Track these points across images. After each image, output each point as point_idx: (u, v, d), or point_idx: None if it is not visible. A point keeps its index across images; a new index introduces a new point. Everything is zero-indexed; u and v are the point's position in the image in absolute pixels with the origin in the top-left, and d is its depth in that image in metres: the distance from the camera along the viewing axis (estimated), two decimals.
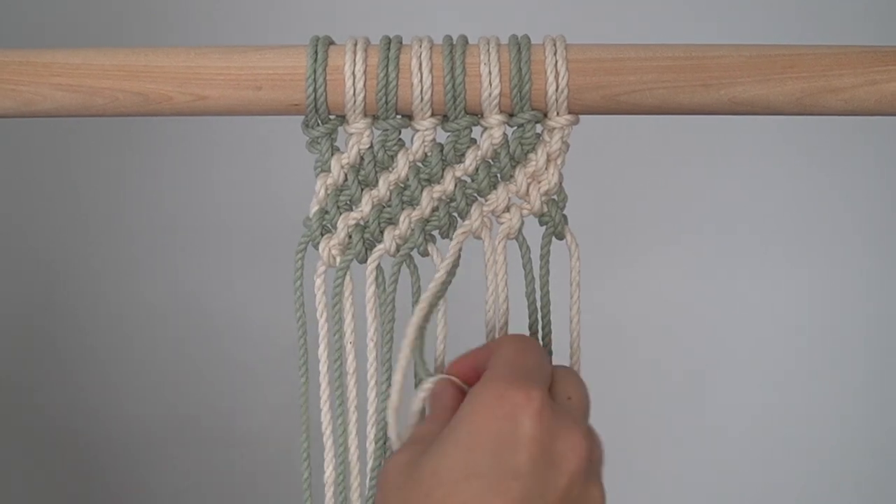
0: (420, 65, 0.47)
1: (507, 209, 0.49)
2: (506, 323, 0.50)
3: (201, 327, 1.06)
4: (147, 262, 1.04)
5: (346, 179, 0.49)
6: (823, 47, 0.47)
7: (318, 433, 0.50)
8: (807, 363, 1.09)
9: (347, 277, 0.50)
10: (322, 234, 0.49)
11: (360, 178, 0.49)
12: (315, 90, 0.47)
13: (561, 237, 0.50)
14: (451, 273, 0.49)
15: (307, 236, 0.49)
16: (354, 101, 0.47)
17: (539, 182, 0.49)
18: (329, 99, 0.48)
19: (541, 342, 0.52)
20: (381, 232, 0.49)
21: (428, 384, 0.46)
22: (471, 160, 0.49)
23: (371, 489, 0.50)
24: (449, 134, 0.49)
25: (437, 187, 0.49)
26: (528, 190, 0.49)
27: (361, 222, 0.50)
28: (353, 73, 0.47)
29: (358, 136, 0.49)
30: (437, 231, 0.50)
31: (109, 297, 1.05)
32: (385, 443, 0.50)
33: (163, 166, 1.02)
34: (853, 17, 1.00)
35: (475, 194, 0.50)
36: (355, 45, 0.48)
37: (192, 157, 1.03)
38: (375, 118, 0.48)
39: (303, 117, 0.49)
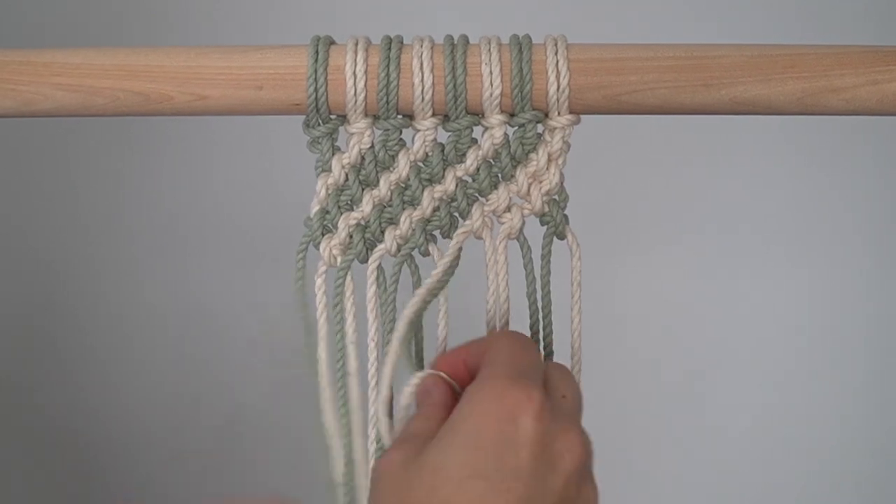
0: (421, 64, 0.47)
1: (508, 209, 0.49)
2: (506, 323, 0.50)
3: (201, 327, 1.06)
4: (147, 262, 1.04)
5: (346, 179, 0.49)
6: (825, 47, 0.47)
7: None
8: (807, 363, 1.09)
9: (348, 277, 0.50)
10: (323, 234, 0.49)
11: (360, 177, 0.49)
12: (316, 90, 0.47)
13: (562, 237, 0.50)
14: (449, 272, 0.49)
15: (308, 236, 0.49)
16: (355, 101, 0.47)
17: (540, 182, 0.49)
18: (330, 99, 0.48)
19: (542, 342, 0.52)
20: (382, 232, 0.49)
21: (416, 379, 0.46)
22: (472, 160, 0.49)
23: None
24: (450, 134, 0.49)
25: (438, 187, 0.49)
26: (529, 190, 0.49)
27: (362, 222, 0.50)
28: (354, 72, 0.47)
29: (359, 136, 0.49)
30: (438, 231, 0.50)
31: (109, 296, 1.05)
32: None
33: (163, 166, 1.02)
34: (853, 17, 1.00)
35: (476, 194, 0.50)
36: (356, 44, 0.48)
37: (193, 157, 1.03)
38: (376, 118, 0.48)
39: (304, 117, 0.49)
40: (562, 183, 0.49)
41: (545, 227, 0.50)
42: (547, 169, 0.49)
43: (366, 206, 0.49)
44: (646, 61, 0.47)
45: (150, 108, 0.48)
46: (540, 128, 0.49)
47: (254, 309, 1.05)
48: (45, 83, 0.47)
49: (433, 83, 0.47)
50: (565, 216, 0.50)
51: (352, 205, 0.50)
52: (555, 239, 0.50)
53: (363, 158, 0.49)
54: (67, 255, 1.04)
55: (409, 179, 0.49)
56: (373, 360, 0.49)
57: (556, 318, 0.52)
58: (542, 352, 0.52)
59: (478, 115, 0.48)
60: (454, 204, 0.49)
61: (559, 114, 0.48)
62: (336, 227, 0.49)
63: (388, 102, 0.48)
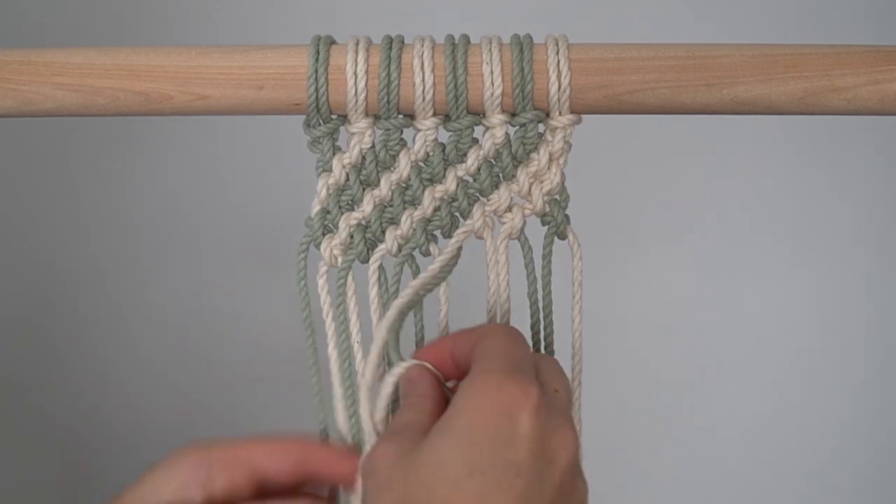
0: (422, 64, 0.47)
1: (509, 209, 0.49)
2: (507, 322, 0.50)
3: (201, 327, 1.06)
4: (147, 262, 1.04)
5: (347, 179, 0.49)
6: (826, 47, 0.47)
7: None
8: (807, 363, 1.09)
9: (350, 277, 0.49)
10: (324, 234, 0.49)
11: (361, 177, 0.49)
12: (317, 90, 0.47)
13: (563, 237, 0.50)
14: (447, 269, 0.49)
15: (309, 236, 0.49)
16: (356, 101, 0.47)
17: (541, 182, 0.49)
18: (331, 98, 0.47)
19: (542, 342, 0.52)
20: (383, 232, 0.49)
21: (399, 369, 0.46)
22: (473, 160, 0.49)
23: None
24: (451, 133, 0.49)
25: (439, 187, 0.49)
26: (530, 190, 0.49)
27: (363, 222, 0.49)
28: (355, 72, 0.47)
29: (360, 136, 0.49)
30: (439, 231, 0.50)
31: (109, 297, 1.05)
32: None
33: (163, 166, 1.02)
34: (853, 17, 1.00)
35: (477, 194, 0.50)
36: (357, 44, 0.48)
37: (193, 157, 1.03)
38: (377, 118, 0.48)
39: (304, 117, 0.49)
40: (563, 183, 0.49)
41: (546, 227, 0.50)
42: (548, 169, 0.49)
43: (367, 206, 0.49)
44: (647, 61, 0.47)
45: (150, 108, 0.48)
46: (541, 127, 0.49)
47: (254, 309, 1.05)
48: (46, 83, 0.47)
49: (434, 83, 0.47)
50: (566, 216, 0.50)
51: (353, 205, 0.50)
52: (556, 239, 0.50)
53: (364, 158, 0.49)
54: (67, 255, 1.04)
55: (409, 179, 0.49)
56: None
57: (556, 317, 0.52)
58: (544, 352, 0.52)
59: (479, 114, 0.48)
60: (455, 204, 0.49)
61: (560, 113, 0.48)
62: (337, 227, 0.49)
63: (388, 102, 0.48)
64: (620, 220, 1.05)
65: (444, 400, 0.45)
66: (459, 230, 0.49)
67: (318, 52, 0.47)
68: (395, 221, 0.49)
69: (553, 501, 0.40)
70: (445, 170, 0.49)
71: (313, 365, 0.50)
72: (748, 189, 1.05)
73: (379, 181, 0.49)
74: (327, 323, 0.49)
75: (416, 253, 0.50)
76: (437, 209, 0.49)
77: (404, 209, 0.49)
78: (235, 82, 0.47)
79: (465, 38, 0.48)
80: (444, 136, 0.49)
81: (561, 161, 0.49)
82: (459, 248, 0.49)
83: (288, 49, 0.48)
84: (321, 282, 0.49)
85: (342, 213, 0.49)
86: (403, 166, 0.49)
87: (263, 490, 0.46)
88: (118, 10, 0.98)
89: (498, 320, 0.50)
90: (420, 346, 0.50)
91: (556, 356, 0.51)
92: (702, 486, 1.12)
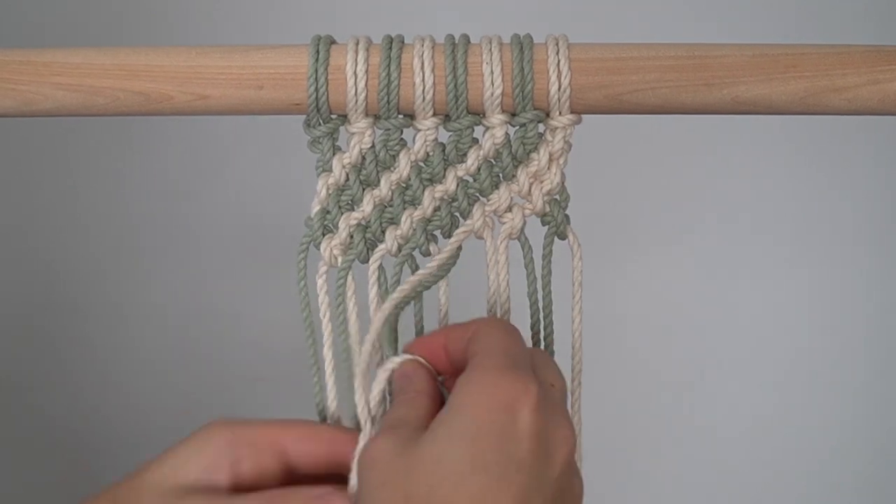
0: (422, 64, 0.47)
1: (510, 209, 0.49)
2: None
3: (201, 327, 1.06)
4: (147, 262, 1.04)
5: (347, 179, 0.49)
6: (826, 47, 0.47)
7: None
8: (807, 363, 1.09)
9: (349, 278, 0.49)
10: (323, 234, 0.49)
11: (361, 177, 0.49)
12: (317, 89, 0.47)
13: (563, 237, 0.50)
14: (445, 268, 0.49)
15: (308, 236, 0.49)
16: (356, 101, 0.47)
17: (541, 182, 0.49)
18: (331, 98, 0.47)
19: (542, 342, 0.52)
20: (383, 232, 0.49)
21: (392, 364, 0.46)
22: (473, 160, 0.49)
23: None
24: (451, 133, 0.49)
25: (439, 187, 0.49)
26: (530, 190, 0.49)
27: (363, 222, 0.49)
28: (355, 72, 0.47)
29: (359, 136, 0.49)
30: (439, 231, 0.50)
31: (109, 296, 1.05)
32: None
33: (163, 166, 1.02)
34: (853, 17, 1.00)
35: (477, 194, 0.50)
36: (357, 44, 0.48)
37: (193, 157, 1.03)
38: (377, 118, 0.48)
39: (304, 117, 0.49)
40: (563, 183, 0.49)
41: (546, 227, 0.50)
42: (548, 169, 0.49)
43: (366, 206, 0.49)
44: (647, 61, 0.47)
45: (150, 108, 0.48)
46: (541, 127, 0.49)
47: (254, 309, 1.05)
48: (46, 83, 0.47)
49: (434, 83, 0.47)
50: (566, 216, 0.50)
51: (352, 205, 0.50)
52: (556, 239, 0.50)
53: (364, 158, 0.49)
54: (67, 255, 1.04)
55: (409, 179, 0.49)
56: (377, 360, 0.49)
57: (556, 317, 0.52)
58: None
59: (479, 114, 0.48)
60: (455, 204, 0.49)
61: (560, 113, 0.48)
62: (337, 227, 0.49)
63: (388, 102, 0.47)
64: (620, 220, 1.05)
65: (438, 396, 0.45)
66: (459, 230, 0.49)
67: (317, 51, 0.47)
68: (395, 221, 0.49)
69: (552, 497, 0.40)
70: (445, 170, 0.49)
71: (314, 365, 0.50)
72: (748, 189, 1.05)
73: (379, 181, 0.49)
74: (324, 323, 0.49)
75: (416, 253, 0.49)
76: (437, 209, 0.49)
77: (404, 209, 0.49)
78: (235, 82, 0.47)
79: (465, 38, 0.48)
80: (444, 136, 0.49)
81: (561, 161, 0.49)
82: (459, 248, 0.49)
83: (288, 49, 0.48)
84: (320, 282, 0.49)
85: (342, 213, 0.49)
86: (403, 166, 0.49)
87: (291, 475, 0.45)
88: (118, 10, 0.98)
89: None
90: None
91: (555, 356, 0.51)
92: (702, 486, 1.12)
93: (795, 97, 0.47)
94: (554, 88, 0.47)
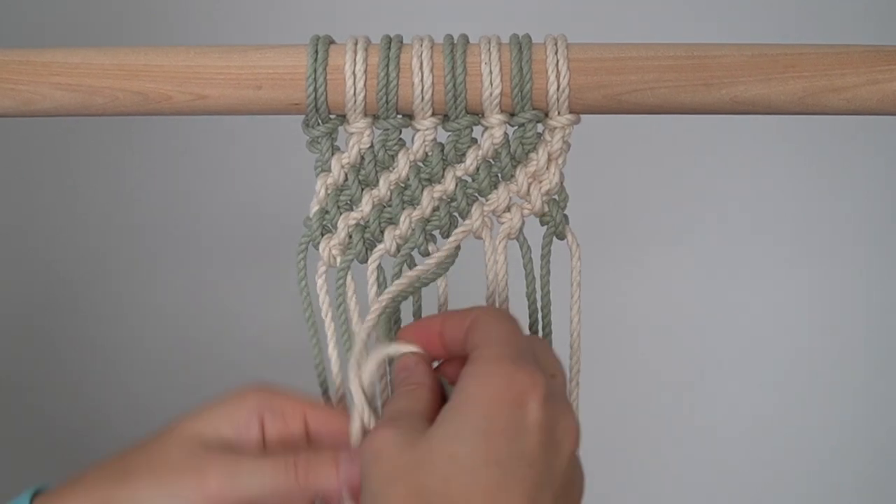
0: (421, 64, 0.47)
1: (508, 209, 0.49)
2: None
3: (201, 327, 1.06)
4: (148, 262, 1.04)
5: (346, 179, 0.49)
6: (825, 47, 0.47)
7: None
8: (807, 363, 1.09)
9: (349, 277, 0.49)
10: (322, 234, 0.49)
11: (360, 177, 0.49)
12: (315, 89, 0.47)
13: (562, 237, 0.50)
14: (443, 267, 0.49)
15: (307, 236, 0.49)
16: (355, 101, 0.47)
17: (540, 182, 0.49)
18: (329, 98, 0.47)
19: None
20: (382, 232, 0.49)
21: (388, 350, 0.46)
22: (471, 160, 0.49)
23: None
24: (449, 133, 0.49)
25: (438, 187, 0.49)
26: (528, 190, 0.49)
27: (362, 222, 0.49)
28: (354, 72, 0.47)
29: (358, 136, 0.49)
30: (438, 231, 0.50)
31: (109, 296, 1.05)
32: None
33: (163, 166, 1.02)
34: (853, 17, 1.00)
35: (476, 194, 0.50)
36: (356, 44, 0.48)
37: (193, 157, 1.03)
38: (376, 118, 0.48)
39: (303, 117, 0.49)
40: (562, 183, 0.49)
41: (545, 227, 0.50)
42: (547, 169, 0.49)
43: (365, 206, 0.49)
44: (646, 61, 0.47)
45: (149, 108, 0.48)
46: (540, 127, 0.49)
47: (254, 309, 1.05)
48: (45, 83, 0.47)
49: (433, 83, 0.47)
50: (565, 216, 0.50)
51: (351, 205, 0.50)
52: (554, 239, 0.50)
53: (363, 158, 0.49)
54: (67, 255, 1.04)
55: (408, 179, 0.49)
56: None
57: (555, 317, 0.52)
58: None
59: (477, 114, 0.48)
60: (454, 204, 0.49)
61: (559, 113, 0.48)
62: (335, 227, 0.49)
63: (387, 102, 0.47)
64: (620, 220, 1.05)
65: (438, 387, 0.45)
66: (458, 230, 0.49)
67: (316, 51, 0.47)
68: (393, 221, 0.49)
69: (559, 489, 0.41)
70: (444, 170, 0.49)
71: (318, 365, 0.50)
72: (748, 189, 1.05)
73: (378, 181, 0.49)
74: (326, 323, 0.49)
75: (414, 253, 0.49)
76: (435, 209, 0.49)
77: (403, 209, 0.49)
78: (234, 82, 0.47)
79: (464, 38, 0.48)
80: (443, 136, 0.49)
81: (560, 161, 0.49)
82: (457, 248, 0.49)
83: (287, 49, 0.48)
84: (320, 282, 0.49)
85: (341, 213, 0.49)
86: (402, 166, 0.49)
87: (313, 447, 0.47)
88: (118, 10, 0.98)
89: None
90: None
91: None
92: (702, 486, 1.12)
93: (794, 97, 0.47)
94: (553, 88, 0.47)
